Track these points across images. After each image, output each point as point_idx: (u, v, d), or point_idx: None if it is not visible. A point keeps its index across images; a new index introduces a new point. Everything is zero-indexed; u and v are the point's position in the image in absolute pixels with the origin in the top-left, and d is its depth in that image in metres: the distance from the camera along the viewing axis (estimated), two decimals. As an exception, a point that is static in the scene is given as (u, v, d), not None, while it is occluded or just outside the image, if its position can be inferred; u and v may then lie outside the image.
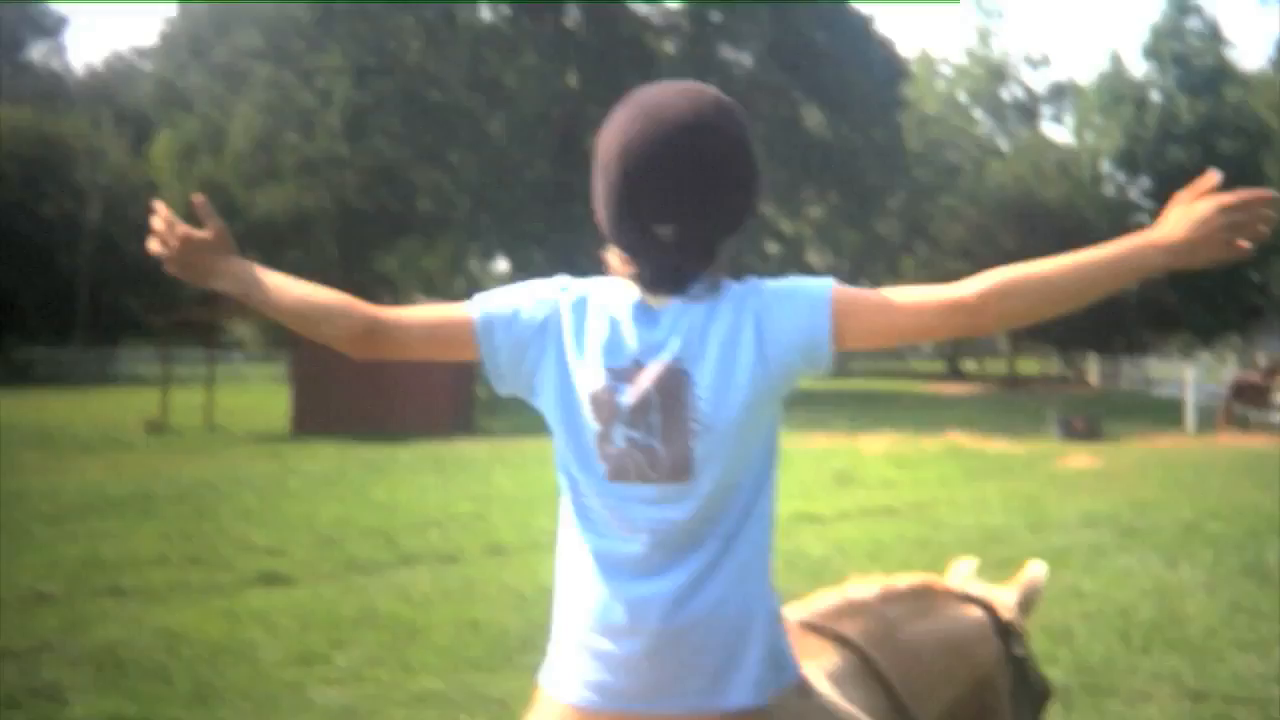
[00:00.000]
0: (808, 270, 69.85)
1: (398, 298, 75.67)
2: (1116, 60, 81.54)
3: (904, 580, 3.97)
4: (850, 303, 2.89)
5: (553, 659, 3.04)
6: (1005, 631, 4.05)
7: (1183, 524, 15.94)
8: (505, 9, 58.64)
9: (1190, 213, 2.75)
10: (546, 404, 2.99)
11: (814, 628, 3.59)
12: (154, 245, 3.12)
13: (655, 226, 2.88)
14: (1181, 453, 27.97)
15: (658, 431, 2.86)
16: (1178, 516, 16.60)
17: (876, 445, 28.86)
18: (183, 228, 3.12)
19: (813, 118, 62.05)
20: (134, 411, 36.29)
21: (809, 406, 40.01)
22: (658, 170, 2.86)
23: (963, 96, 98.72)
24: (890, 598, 3.83)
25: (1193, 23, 79.70)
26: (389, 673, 8.78)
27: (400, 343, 3.09)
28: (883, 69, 61.62)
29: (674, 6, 61.68)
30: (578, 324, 2.97)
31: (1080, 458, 26.24)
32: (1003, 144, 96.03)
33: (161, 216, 3.14)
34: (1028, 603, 4.23)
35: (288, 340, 37.40)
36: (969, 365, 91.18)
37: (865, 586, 3.87)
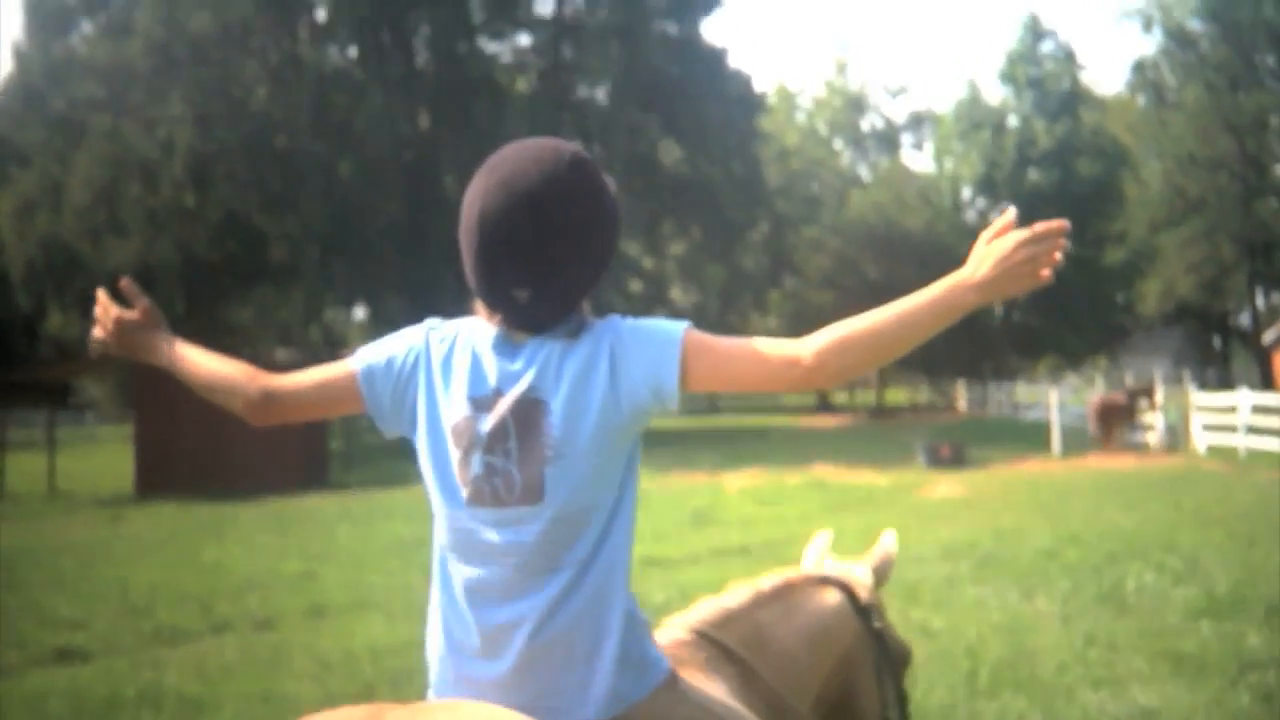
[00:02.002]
0: (671, 306, 69.51)
1: (255, 350, 74.55)
2: (973, 87, 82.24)
3: (769, 581, 4.16)
4: (700, 348, 3.04)
5: (429, 681, 3.18)
6: (862, 609, 4.32)
7: (1041, 551, 15.41)
8: (352, 51, 57.81)
9: (994, 250, 2.89)
10: (419, 438, 3.17)
11: (699, 636, 3.73)
12: (96, 332, 3.40)
13: (513, 290, 3.03)
14: (1047, 476, 27.82)
15: (514, 457, 3.00)
16: (1037, 544, 16.07)
17: (739, 482, 28.35)
18: (115, 310, 3.35)
19: (670, 153, 61.75)
20: (-24, 478, 34.93)
21: (674, 445, 39.56)
22: (513, 240, 2.99)
23: (823, 128, 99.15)
24: (760, 602, 4.02)
25: (1047, 47, 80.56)
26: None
27: (295, 406, 3.31)
28: (739, 102, 61.39)
29: (525, 44, 61.20)
30: (445, 359, 3.15)
31: (944, 486, 25.95)
32: (864, 173, 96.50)
33: (100, 302, 3.38)
34: (882, 574, 4.55)
35: (134, 400, 36.27)
36: (839, 397, 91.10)
37: (738, 593, 4.04)
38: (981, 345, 72.85)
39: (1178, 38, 77.78)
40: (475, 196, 3.06)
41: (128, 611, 13.79)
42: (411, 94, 54.23)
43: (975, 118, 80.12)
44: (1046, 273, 2.88)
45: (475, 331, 3.17)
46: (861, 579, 4.43)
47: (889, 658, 4.35)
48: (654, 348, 3.03)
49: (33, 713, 9.34)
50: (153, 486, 32.07)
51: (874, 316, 2.95)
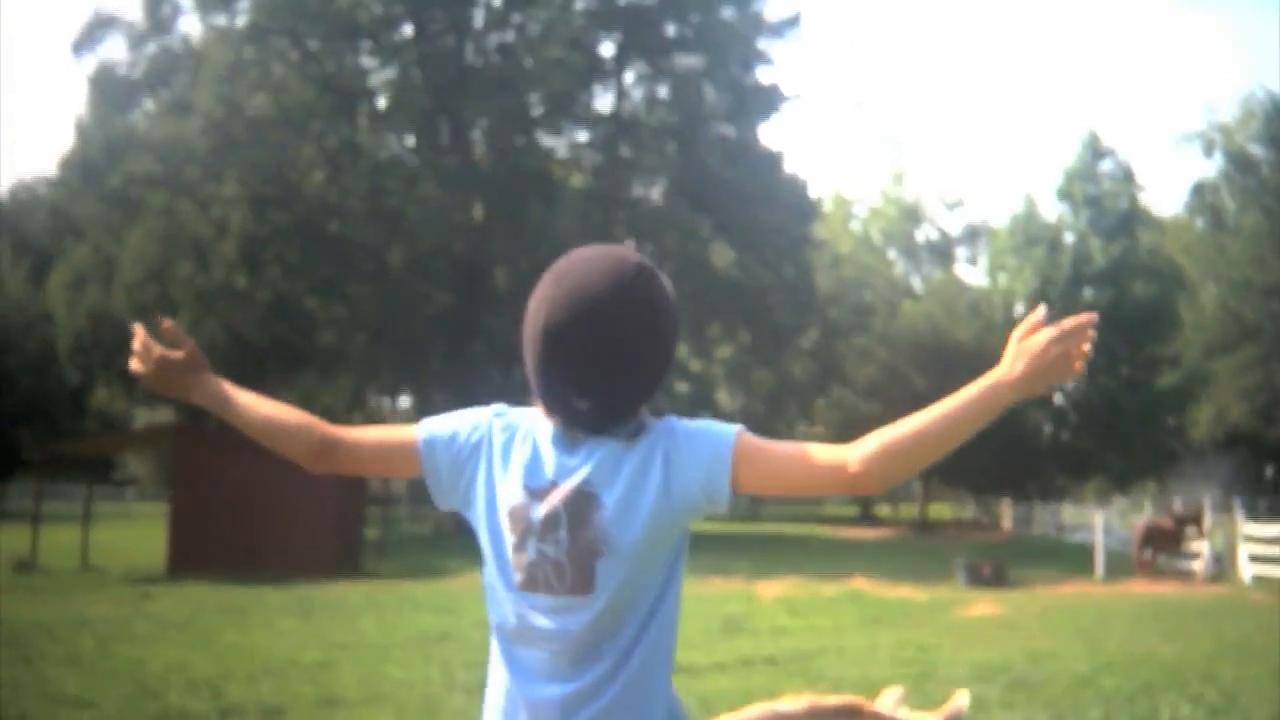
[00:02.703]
0: (717, 410, 69.09)
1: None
2: (1030, 202, 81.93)
3: (832, 699, 4.16)
4: (752, 452, 3.10)
5: None
6: None
7: (1076, 677, 14.99)
8: (409, 139, 58.00)
9: (1026, 348, 2.95)
10: (476, 516, 3.25)
11: None
12: (134, 364, 3.39)
13: (573, 400, 3.11)
14: (1088, 599, 27.36)
15: (565, 547, 3.08)
16: (1071, 669, 15.65)
17: (774, 590, 28.03)
18: (158, 350, 3.36)
19: (722, 255, 61.56)
20: (13, 550, 34.72)
21: (712, 550, 39.19)
22: (576, 352, 3.08)
23: (877, 237, 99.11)
24: (816, 715, 4.04)
25: (1106, 165, 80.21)
26: None
27: (353, 460, 3.37)
28: (793, 207, 61.16)
29: (582, 140, 61.29)
30: (506, 446, 3.24)
31: (983, 605, 25.49)
32: (917, 284, 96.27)
33: (138, 339, 3.39)
34: None
35: (170, 478, 36.21)
36: (883, 510, 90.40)
37: (794, 701, 4.10)
38: (1029, 464, 72.20)
39: (1238, 162, 77.67)
40: (541, 304, 3.17)
41: (139, 693, 13.55)
42: (466, 185, 54.24)
43: (1031, 233, 79.76)
44: (1079, 365, 2.96)
45: (537, 423, 3.26)
46: None
47: None
48: (707, 451, 3.11)
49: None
50: (184, 566, 31.87)
51: (916, 420, 3.01)
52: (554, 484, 3.13)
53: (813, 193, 66.99)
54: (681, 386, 64.07)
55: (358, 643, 18.37)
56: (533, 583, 3.12)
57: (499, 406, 3.38)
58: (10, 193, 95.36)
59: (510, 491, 3.18)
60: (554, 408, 3.17)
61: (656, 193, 61.07)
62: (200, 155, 52.31)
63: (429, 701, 13.19)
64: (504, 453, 3.24)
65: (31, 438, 64.77)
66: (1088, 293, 76.36)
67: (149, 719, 12.13)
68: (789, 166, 79.03)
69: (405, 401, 71.28)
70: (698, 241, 59.63)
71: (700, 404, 63.95)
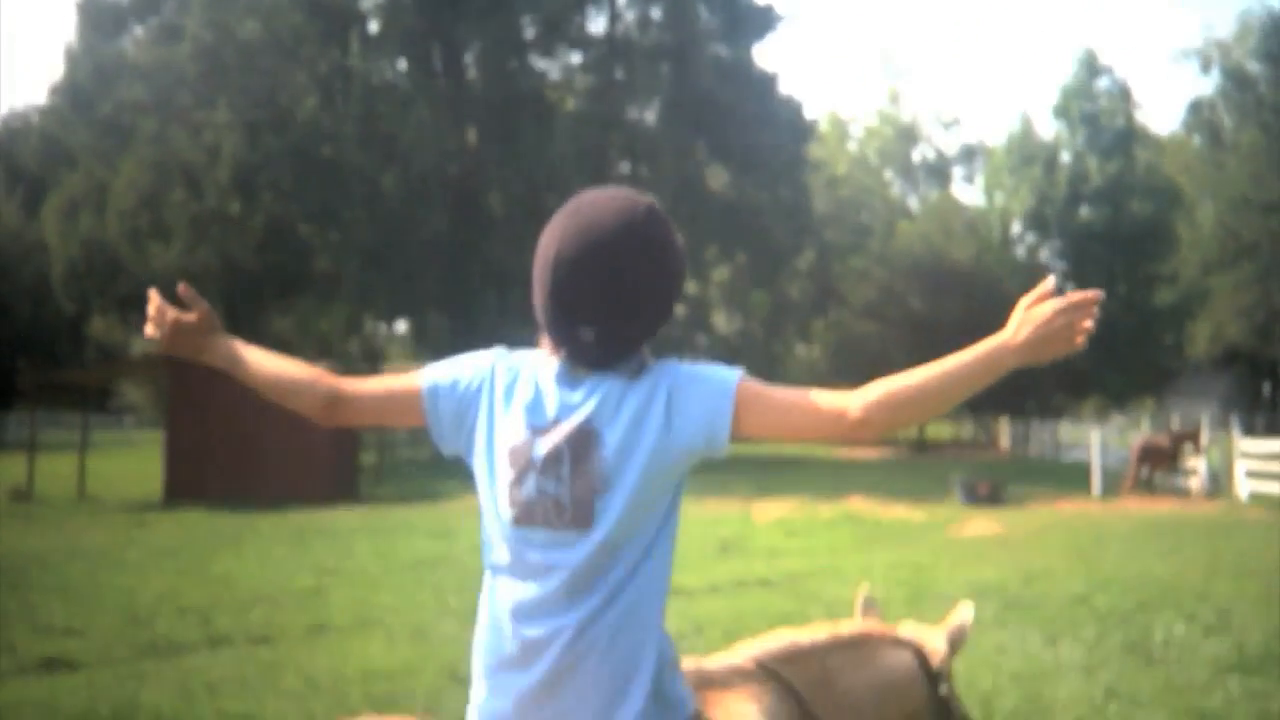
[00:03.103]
0: (714, 333, 68.97)
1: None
2: (1026, 121, 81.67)
3: (846, 627, 4.25)
4: (753, 397, 3.18)
5: (472, 694, 3.27)
6: (932, 675, 4.34)
7: (1070, 596, 14.93)
8: (401, 64, 57.59)
9: (1032, 316, 3.06)
10: (476, 460, 3.30)
11: (763, 668, 3.81)
12: (149, 329, 3.51)
13: (580, 329, 3.19)
14: (1084, 518, 27.30)
15: (566, 482, 3.14)
16: (1066, 588, 15.60)
17: (771, 512, 27.98)
18: (172, 312, 3.48)
19: (717, 177, 61.30)
20: (11, 479, 34.66)
21: (709, 473, 39.03)
22: (584, 282, 3.16)
23: (873, 157, 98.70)
24: (833, 646, 4.08)
25: (1103, 83, 79.87)
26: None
27: (359, 411, 3.44)
28: (788, 128, 60.78)
29: (575, 62, 60.88)
30: (509, 387, 3.30)
31: (979, 524, 25.46)
32: (913, 204, 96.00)
33: (153, 304, 3.50)
34: (955, 644, 4.53)
35: (166, 407, 36.08)
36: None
37: (813, 632, 4.13)
38: (1026, 383, 71.96)
39: (1235, 79, 77.14)
40: (553, 238, 3.23)
41: (128, 621, 13.55)
42: (459, 109, 53.98)
43: (1027, 152, 79.48)
44: (1081, 339, 3.07)
45: (540, 364, 3.32)
46: (935, 645, 4.48)
47: None
48: (709, 395, 3.18)
49: (0, 723, 9.05)
50: (181, 494, 31.93)
51: (920, 374, 3.11)
52: (556, 422, 3.20)
53: (808, 113, 66.50)
54: (678, 309, 63.83)
55: (350, 569, 18.33)
56: (529, 517, 3.17)
57: (501, 350, 3.43)
58: (3, 122, 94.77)
59: (512, 430, 3.24)
60: (560, 339, 3.24)
61: (651, 115, 60.72)
62: (191, 81, 52.01)
63: (419, 627, 13.13)
64: (506, 394, 3.30)
65: (29, 367, 64.67)
66: (1084, 211, 76.27)
67: (137, 648, 12.08)
68: (784, 87, 78.82)
69: (401, 326, 71.14)
70: (693, 164, 59.33)
71: (697, 326, 64.02)
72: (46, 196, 65.84)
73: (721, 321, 76.07)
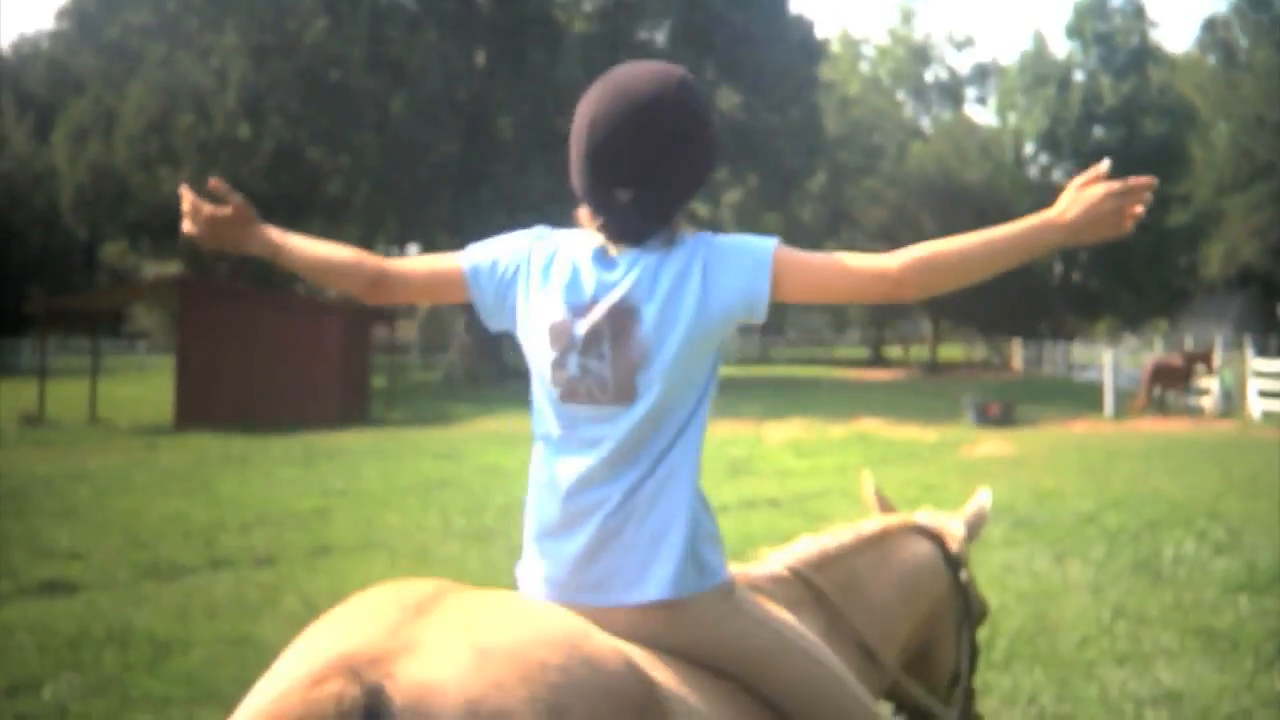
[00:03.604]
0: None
1: (307, 284, 74.26)
2: (1039, 40, 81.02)
3: (869, 526, 4.32)
4: (789, 262, 3.23)
5: (521, 560, 3.40)
6: (953, 562, 4.51)
7: (1081, 515, 14.88)
8: (409, -15, 57.23)
9: (1084, 196, 3.10)
10: (521, 335, 3.38)
11: (795, 575, 3.87)
12: (186, 225, 3.53)
13: (616, 191, 3.23)
14: (1096, 438, 27.28)
15: (607, 359, 3.20)
16: (1077, 507, 15.55)
17: (781, 433, 27.89)
18: (208, 208, 3.47)
19: (728, 99, 60.73)
20: (23, 404, 34.66)
21: (721, 393, 38.99)
22: (620, 142, 3.21)
23: (886, 78, 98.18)
24: (858, 548, 4.17)
25: (1116, 2, 79.16)
26: (103, 706, 7.47)
27: (404, 290, 3.53)
28: (800, 49, 60.24)
29: (584, -18, 60.41)
30: (546, 266, 3.34)
31: (990, 444, 25.44)
32: (926, 125, 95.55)
33: (187, 200, 3.50)
34: (974, 531, 4.74)
35: (177, 331, 36.04)
36: (893, 351, 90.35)
37: (839, 534, 4.19)
38: (1039, 304, 71.97)
39: (1250, -3, 76.47)
40: (588, 103, 3.29)
41: (130, 544, 13.50)
42: (467, 31, 53.51)
43: (1040, 72, 78.88)
44: (1129, 224, 3.13)
45: (577, 243, 3.35)
46: (954, 532, 4.64)
47: (969, 611, 4.58)
48: (746, 261, 3.21)
49: (-2, 644, 9.00)
50: (192, 417, 31.89)
51: (962, 240, 3.16)
52: (594, 300, 3.25)
53: (819, 33, 66.03)
54: (688, 231, 63.64)
55: (357, 490, 18.33)
56: (573, 394, 3.25)
57: (540, 229, 3.48)
58: (12, 48, 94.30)
59: (551, 309, 3.30)
60: (597, 203, 3.29)
61: (660, 36, 60.03)
62: (197, 5, 51.53)
63: (422, 549, 13.08)
64: (544, 272, 3.35)
65: (42, 294, 64.52)
66: (1098, 131, 75.75)
67: (138, 570, 12.03)
68: (795, 6, 78.11)
69: (413, 250, 71.00)
70: (703, 85, 58.59)
71: (708, 249, 63.76)
72: (55, 123, 65.65)
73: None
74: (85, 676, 8.05)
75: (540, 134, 52.97)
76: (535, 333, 3.33)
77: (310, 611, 9.78)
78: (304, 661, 2.54)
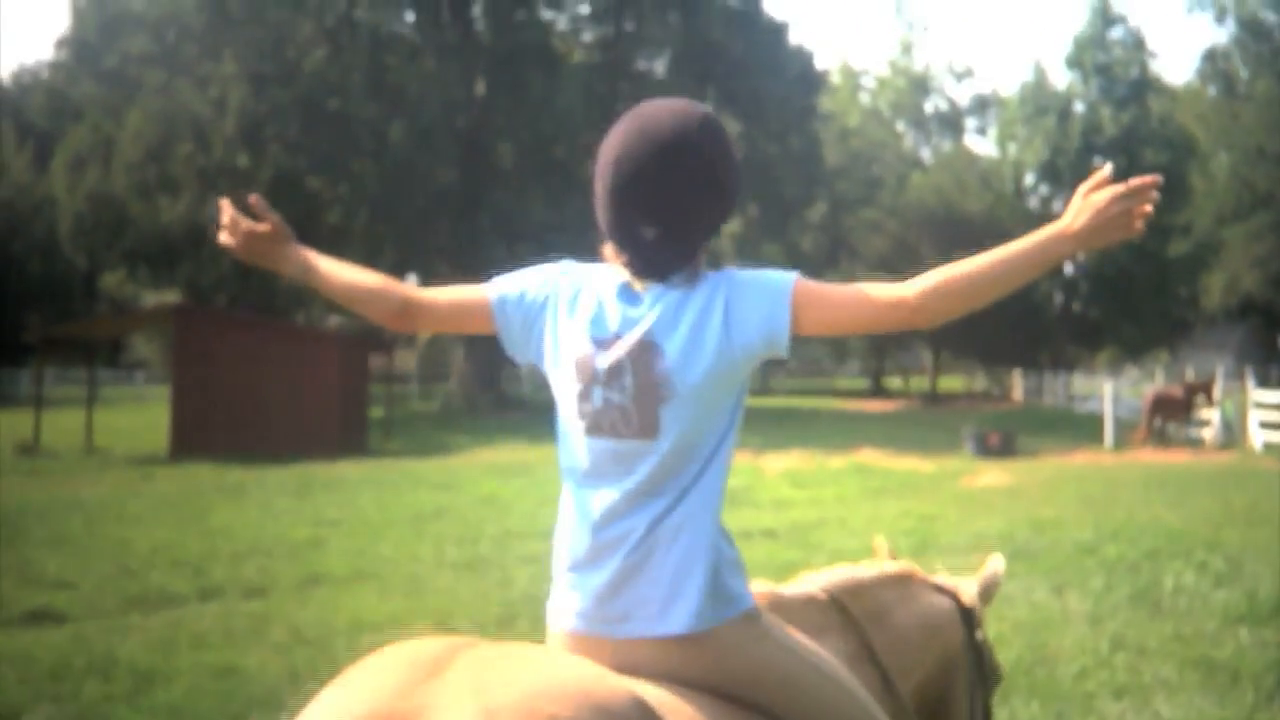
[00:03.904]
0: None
1: (308, 313, 74.27)
2: (1040, 71, 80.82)
3: (893, 566, 4.44)
4: (809, 296, 3.28)
5: (551, 593, 3.42)
6: (969, 619, 4.54)
7: (1079, 545, 14.75)
8: (409, 15, 57.14)
9: (1091, 203, 3.13)
10: (548, 367, 3.43)
11: (831, 599, 3.97)
12: (224, 237, 3.63)
13: (641, 228, 3.30)
14: (1096, 469, 27.16)
15: (630, 393, 3.25)
16: (1075, 537, 15.42)
17: (780, 464, 27.79)
18: (246, 223, 3.58)
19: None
20: (21, 434, 34.50)
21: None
22: (644, 181, 3.26)
23: (886, 109, 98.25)
24: (884, 582, 4.25)
25: (1117, 32, 79.01)
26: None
27: (430, 319, 3.58)
28: (799, 79, 60.30)
29: (583, 12, 60.32)
30: (572, 300, 3.39)
31: (990, 475, 25.34)
32: (926, 156, 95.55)
33: (226, 213, 3.62)
34: (987, 593, 4.77)
35: (172, 361, 35.94)
36: (893, 382, 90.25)
37: (866, 568, 4.29)
38: (1040, 334, 71.81)
39: (1251, 28, 76.60)
40: (613, 142, 3.34)
41: (120, 574, 13.40)
42: (467, 60, 53.41)
43: (1041, 103, 78.70)
44: (1139, 225, 3.15)
45: (602, 277, 3.41)
46: (968, 593, 4.65)
47: (983, 672, 4.62)
48: (767, 297, 3.26)
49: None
50: (187, 447, 31.73)
51: (975, 261, 3.19)
52: (618, 335, 3.30)
53: (819, 64, 66.23)
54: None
55: (351, 520, 18.22)
56: (598, 428, 3.29)
57: (566, 263, 3.54)
58: (12, 77, 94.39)
59: (576, 342, 3.35)
60: (622, 240, 3.35)
61: (660, 66, 60.04)
62: (196, 33, 51.47)
63: (415, 579, 12.96)
64: (570, 306, 3.40)
65: (41, 323, 64.48)
66: (1098, 162, 75.38)
67: (126, 600, 11.92)
68: (795, 37, 78.21)
69: (412, 279, 71.01)
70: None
71: (708, 278, 63.63)
72: (54, 151, 65.68)
73: (733, 273, 75.87)
74: (64, 708, 7.94)
75: (539, 162, 52.94)
76: (561, 366, 3.39)
77: (298, 642, 9.77)
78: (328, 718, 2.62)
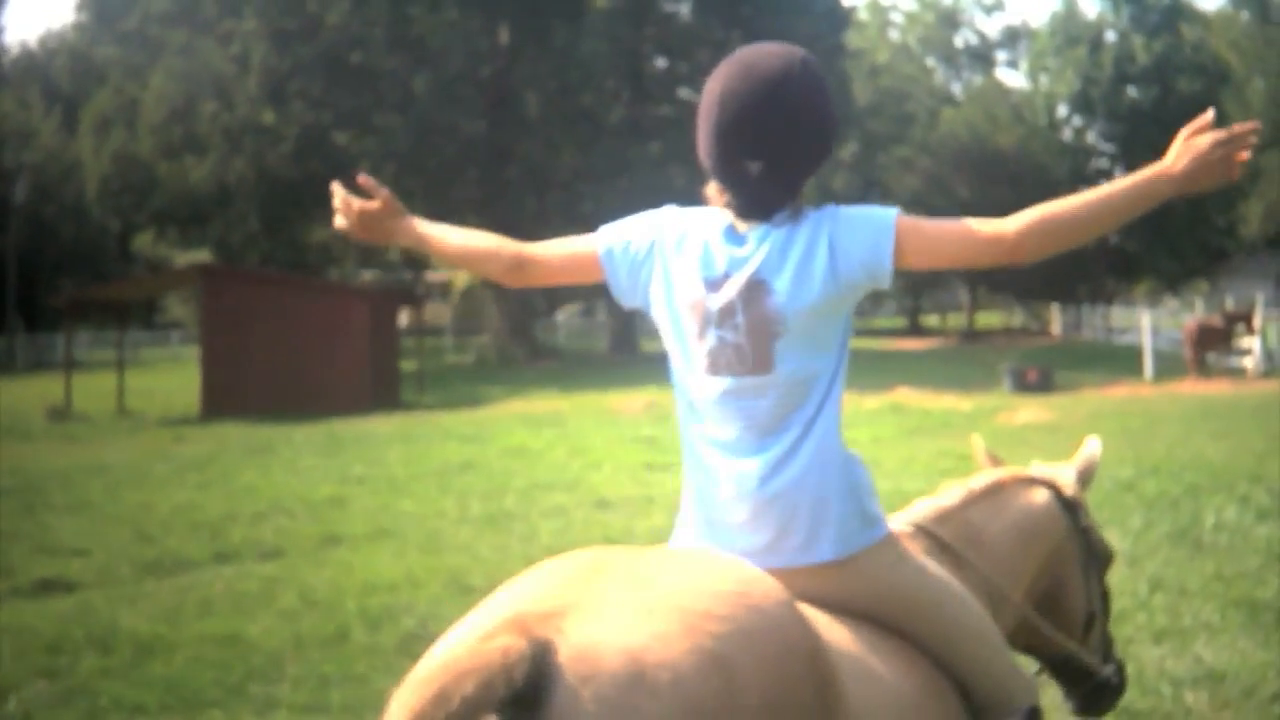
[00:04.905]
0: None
1: (341, 269, 74.16)
2: (1070, 1, 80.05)
3: (979, 481, 4.44)
4: (910, 230, 3.39)
5: (678, 532, 3.54)
6: (1070, 506, 4.61)
7: (1118, 482, 14.40)
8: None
9: (1191, 146, 3.23)
10: (658, 313, 3.54)
11: (918, 529, 4.01)
12: (338, 220, 3.82)
13: (746, 163, 3.40)
14: (1136, 402, 26.85)
15: (743, 331, 3.36)
16: (1114, 474, 15.00)
17: (815, 404, 27.34)
18: (358, 203, 3.76)
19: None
20: (54, 397, 34.35)
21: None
22: (750, 117, 3.37)
23: (915, 44, 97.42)
24: (971, 501, 4.30)
25: (1147, -42, 78.22)
26: (70, 717, 7.12)
27: (543, 273, 3.72)
28: (826, 17, 59.58)
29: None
30: (678, 244, 3.49)
31: (1028, 411, 25.04)
32: (957, 91, 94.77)
33: (338, 196, 3.78)
34: (1086, 477, 4.85)
35: (202, 321, 35.77)
36: (930, 319, 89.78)
37: (950, 493, 4.34)
38: (1077, 268, 71.11)
39: (1284, -50, 75.57)
40: (717, 80, 3.45)
41: (136, 539, 13.22)
42: (489, 8, 52.76)
43: (1071, 33, 77.90)
44: (1236, 171, 3.25)
45: (706, 220, 3.48)
46: (1067, 480, 4.72)
47: (1094, 555, 4.69)
48: (870, 231, 3.35)
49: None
50: (219, 407, 31.55)
51: (1074, 199, 3.30)
52: (726, 275, 3.38)
53: (846, 1, 65.50)
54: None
55: (376, 476, 17.99)
56: (716, 366, 3.38)
57: (671, 208, 3.61)
58: (39, 41, 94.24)
59: (687, 285, 3.43)
60: (727, 176, 3.43)
61: (685, 9, 59.53)
62: (216, -10, 51.32)
63: (435, 536, 12.71)
64: (676, 249, 3.48)
65: (74, 286, 64.44)
66: (1131, 91, 74.87)
67: (139, 566, 11.70)
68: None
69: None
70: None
71: (740, 221, 63.17)
72: (81, 115, 65.59)
73: (765, 215, 75.63)
74: (57, 683, 7.71)
75: (566, 110, 52.55)
76: (672, 309, 3.48)
77: (307, 606, 9.51)
78: (480, 620, 2.74)
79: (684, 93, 59.79)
